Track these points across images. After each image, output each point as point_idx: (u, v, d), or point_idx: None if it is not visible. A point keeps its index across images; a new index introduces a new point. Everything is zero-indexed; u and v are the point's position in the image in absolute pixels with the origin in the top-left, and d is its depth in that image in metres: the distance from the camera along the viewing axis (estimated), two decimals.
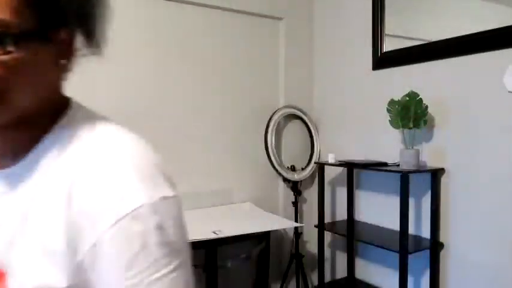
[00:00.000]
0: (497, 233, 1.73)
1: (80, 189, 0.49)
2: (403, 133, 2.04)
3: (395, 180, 2.19)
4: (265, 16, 2.55)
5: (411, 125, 1.89)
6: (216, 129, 2.40)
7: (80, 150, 0.53)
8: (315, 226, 2.29)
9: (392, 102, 1.96)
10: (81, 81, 2.11)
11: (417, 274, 2.09)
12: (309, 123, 2.63)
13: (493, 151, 1.74)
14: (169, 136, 2.24)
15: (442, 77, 1.94)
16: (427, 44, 2.00)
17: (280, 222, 2.09)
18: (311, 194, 2.74)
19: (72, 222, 0.48)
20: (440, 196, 1.95)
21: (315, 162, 2.58)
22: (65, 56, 0.56)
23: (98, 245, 0.47)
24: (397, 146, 2.16)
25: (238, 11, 2.44)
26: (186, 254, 0.55)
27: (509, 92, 1.68)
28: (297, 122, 2.68)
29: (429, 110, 1.96)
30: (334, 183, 2.60)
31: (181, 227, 0.54)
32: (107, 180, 0.49)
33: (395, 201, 2.19)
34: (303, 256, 2.54)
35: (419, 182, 2.05)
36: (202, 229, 1.86)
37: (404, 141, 2.10)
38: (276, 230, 2.58)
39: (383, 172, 2.25)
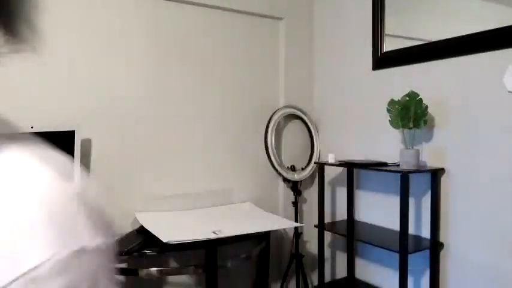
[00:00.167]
0: (497, 233, 1.73)
1: None
2: (403, 133, 2.04)
3: (395, 180, 2.19)
4: (265, 16, 2.55)
5: (411, 125, 1.89)
6: (216, 129, 2.40)
7: None
8: (315, 226, 2.29)
9: (392, 102, 1.96)
10: (81, 81, 2.11)
11: (417, 274, 2.09)
12: (309, 123, 2.63)
13: (493, 151, 1.74)
14: (170, 136, 2.24)
15: (442, 77, 1.94)
16: (427, 44, 2.00)
17: (280, 222, 2.09)
18: (311, 194, 2.75)
19: None
20: (440, 196, 1.95)
21: (315, 162, 2.58)
22: None
23: None
24: (397, 146, 2.16)
25: (238, 11, 2.44)
26: None
27: (509, 92, 1.68)
28: (297, 122, 2.68)
29: (429, 110, 1.96)
30: (334, 183, 2.60)
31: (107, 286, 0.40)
32: None
33: (395, 201, 2.19)
34: (303, 256, 2.55)
35: (419, 182, 2.05)
36: (202, 229, 1.86)
37: (404, 141, 2.10)
38: (276, 230, 2.57)
39: (383, 172, 2.25)
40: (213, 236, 1.75)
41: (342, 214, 2.53)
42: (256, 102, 2.54)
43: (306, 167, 2.59)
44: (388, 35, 2.21)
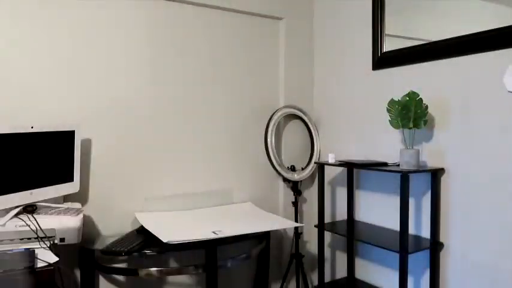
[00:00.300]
0: (497, 233, 1.73)
1: None
2: (403, 133, 2.04)
3: (395, 180, 2.19)
4: (265, 16, 2.55)
5: (411, 125, 1.89)
6: (216, 129, 2.40)
7: None
8: (315, 226, 2.29)
9: (392, 102, 1.96)
10: (81, 81, 2.12)
11: (417, 274, 2.09)
12: (309, 123, 2.63)
13: (493, 151, 1.74)
14: (170, 136, 2.24)
15: (442, 77, 1.94)
16: (427, 44, 2.00)
17: (280, 222, 2.09)
18: (311, 194, 2.75)
19: None
20: (440, 196, 1.95)
21: (315, 162, 2.58)
22: None
23: None
24: (397, 146, 2.16)
25: (238, 11, 2.44)
26: None
27: (509, 92, 1.68)
28: (297, 122, 2.68)
29: (429, 110, 1.97)
30: (334, 183, 2.60)
31: None
32: None
33: (395, 201, 2.19)
34: (303, 256, 2.55)
35: (419, 182, 2.05)
36: (202, 229, 1.86)
37: (404, 141, 2.10)
38: (276, 230, 2.58)
39: (383, 172, 2.25)
40: (213, 236, 1.75)
41: (342, 214, 2.53)
42: (256, 102, 2.55)
43: (306, 167, 2.60)
44: (388, 35, 2.21)
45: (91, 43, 2.00)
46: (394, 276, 2.21)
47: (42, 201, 1.71)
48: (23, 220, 1.54)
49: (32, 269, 1.31)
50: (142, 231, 1.96)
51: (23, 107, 1.84)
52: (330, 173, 2.61)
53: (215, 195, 2.40)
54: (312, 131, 2.63)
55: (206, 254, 1.90)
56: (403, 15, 2.13)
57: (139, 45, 2.13)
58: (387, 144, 2.22)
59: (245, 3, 2.43)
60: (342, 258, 2.57)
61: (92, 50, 2.00)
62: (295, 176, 2.52)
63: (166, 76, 2.22)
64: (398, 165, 1.99)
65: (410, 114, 1.89)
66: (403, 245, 1.80)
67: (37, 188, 1.66)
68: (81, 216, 1.66)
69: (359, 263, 2.43)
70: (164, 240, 1.67)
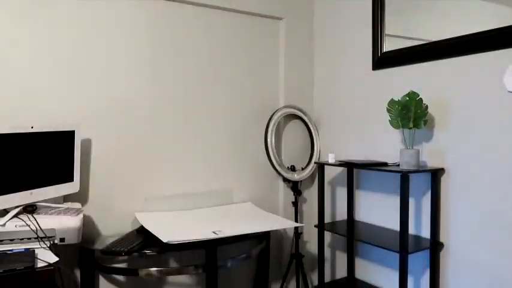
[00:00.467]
0: (497, 233, 1.73)
1: None
2: (403, 133, 2.04)
3: (395, 180, 2.19)
4: (265, 16, 2.55)
5: (411, 125, 1.89)
6: (216, 129, 2.40)
7: None
8: (315, 226, 2.29)
9: (392, 102, 1.96)
10: (81, 81, 2.12)
11: (417, 274, 2.09)
12: (309, 123, 2.63)
13: (493, 151, 1.74)
14: (169, 136, 2.24)
15: (442, 77, 1.94)
16: (427, 44, 2.00)
17: (280, 222, 2.09)
18: (311, 194, 2.75)
19: None
20: (440, 196, 1.95)
21: (315, 162, 2.58)
22: None
23: None
24: (397, 146, 2.16)
25: (238, 11, 2.44)
26: None
27: (509, 92, 1.68)
28: (297, 122, 2.68)
29: (429, 110, 1.97)
30: (334, 183, 2.60)
31: None
32: None
33: (395, 201, 2.19)
34: (303, 256, 2.55)
35: (419, 182, 2.05)
36: (202, 229, 1.86)
37: (404, 141, 2.10)
38: (276, 230, 2.58)
39: (383, 172, 2.25)
40: (213, 236, 1.75)
41: (342, 214, 2.53)
42: (256, 102, 2.55)
43: (306, 167, 2.60)
44: (388, 35, 2.21)
45: (91, 43, 2.00)
46: (394, 276, 2.21)
47: (42, 201, 1.71)
48: (23, 220, 1.54)
49: (32, 269, 1.31)
50: (142, 231, 1.96)
51: (23, 107, 1.84)
52: (330, 173, 2.61)
53: (215, 195, 2.40)
54: (312, 131, 2.63)
55: (206, 254, 1.90)
56: (403, 15, 2.13)
57: (139, 45, 2.13)
58: (387, 144, 2.22)
59: (245, 3, 2.43)
60: (342, 258, 2.57)
61: (92, 50, 2.00)
62: (295, 176, 2.52)
63: (166, 76, 2.22)
64: (398, 165, 1.99)
65: (410, 114, 1.89)
66: (403, 245, 1.80)
67: (37, 188, 1.66)
68: (81, 216, 1.66)
69: (359, 263, 2.43)
70: (164, 240, 1.67)
